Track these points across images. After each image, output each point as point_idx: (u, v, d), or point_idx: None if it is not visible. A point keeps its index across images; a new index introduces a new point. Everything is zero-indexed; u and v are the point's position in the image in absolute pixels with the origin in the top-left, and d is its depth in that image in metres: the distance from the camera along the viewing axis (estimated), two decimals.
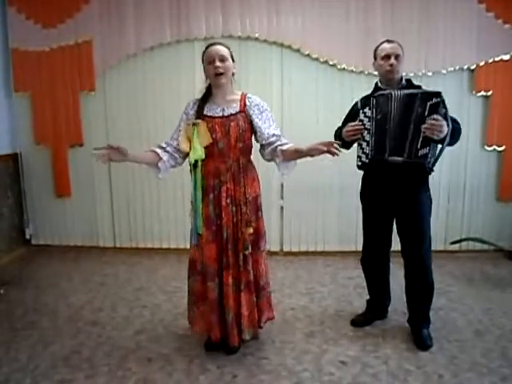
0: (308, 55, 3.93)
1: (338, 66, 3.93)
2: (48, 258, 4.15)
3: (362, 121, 2.44)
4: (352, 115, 2.58)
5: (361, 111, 2.46)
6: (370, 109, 2.42)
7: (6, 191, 4.13)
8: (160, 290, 3.40)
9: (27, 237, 4.40)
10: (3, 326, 2.81)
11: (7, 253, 4.07)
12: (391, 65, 2.44)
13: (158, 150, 2.32)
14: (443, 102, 2.25)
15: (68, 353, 2.48)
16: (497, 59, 3.83)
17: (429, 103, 2.26)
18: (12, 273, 3.78)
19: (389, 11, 3.83)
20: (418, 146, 2.30)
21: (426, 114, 2.26)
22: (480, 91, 3.91)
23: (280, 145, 2.26)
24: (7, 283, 3.47)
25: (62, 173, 4.22)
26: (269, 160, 2.39)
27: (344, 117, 2.68)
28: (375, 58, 2.56)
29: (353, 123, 2.47)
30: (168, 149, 2.34)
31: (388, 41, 2.52)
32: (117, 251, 4.32)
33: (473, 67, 3.88)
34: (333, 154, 2.07)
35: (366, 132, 2.43)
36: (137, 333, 2.72)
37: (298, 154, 2.19)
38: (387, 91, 2.41)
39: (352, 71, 3.92)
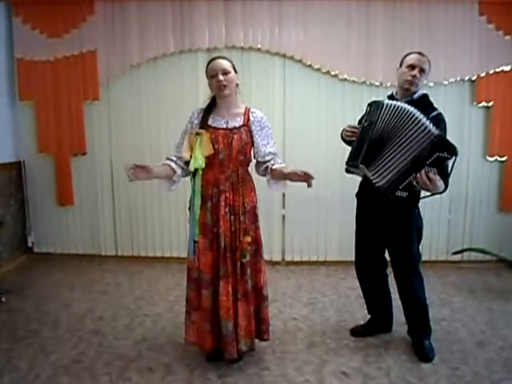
0: (310, 66, 3.97)
1: (340, 77, 3.96)
2: (49, 267, 4.15)
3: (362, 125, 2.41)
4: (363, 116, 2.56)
5: (364, 118, 2.42)
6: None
7: (9, 199, 4.15)
8: (161, 298, 3.39)
9: (29, 245, 4.40)
10: (4, 334, 2.81)
11: (9, 261, 4.08)
12: (413, 76, 2.38)
13: (172, 164, 2.36)
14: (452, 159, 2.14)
15: (69, 362, 2.48)
16: (497, 70, 3.87)
17: (438, 154, 2.10)
18: (13, 281, 3.78)
19: (390, 23, 3.86)
20: (400, 186, 2.19)
21: (428, 162, 2.12)
22: (481, 102, 3.93)
23: (272, 164, 2.35)
24: (8, 291, 3.46)
25: (64, 181, 4.24)
26: (261, 175, 2.46)
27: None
28: (401, 64, 2.49)
29: (352, 125, 2.47)
30: (179, 162, 2.37)
31: (419, 53, 2.45)
32: (118, 260, 4.32)
33: (474, 78, 3.91)
34: (308, 184, 2.16)
35: None
36: (138, 342, 2.71)
37: (281, 175, 2.29)
38: (381, 99, 2.36)
39: (353, 82, 3.95)
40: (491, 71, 3.87)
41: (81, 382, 2.29)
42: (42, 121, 4.17)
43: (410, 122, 2.19)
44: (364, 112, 2.58)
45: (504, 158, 3.98)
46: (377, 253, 2.66)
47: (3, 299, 3.32)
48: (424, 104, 2.41)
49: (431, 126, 2.15)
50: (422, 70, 2.39)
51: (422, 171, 2.13)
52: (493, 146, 3.97)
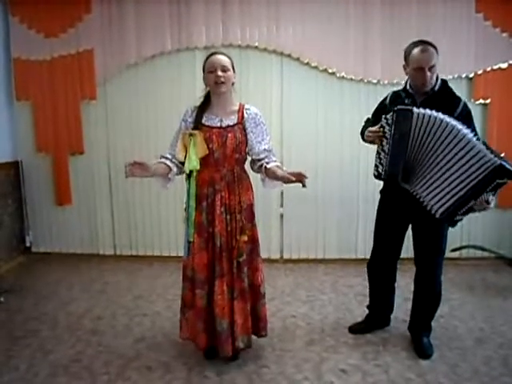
0: (307, 63, 3.96)
1: (338, 74, 3.95)
2: (48, 266, 4.15)
3: (383, 127, 2.32)
4: (379, 110, 2.51)
5: (383, 117, 2.33)
6: (391, 115, 2.28)
7: (7, 199, 4.14)
8: (160, 297, 3.39)
9: (27, 245, 4.40)
10: (3, 334, 2.81)
11: (7, 261, 4.07)
12: (426, 77, 2.28)
13: (167, 162, 2.35)
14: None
15: (68, 361, 2.48)
16: (495, 67, 3.87)
17: (498, 181, 2.10)
18: (12, 281, 3.77)
19: (387, 20, 3.86)
20: (459, 212, 2.22)
21: (489, 189, 2.13)
22: (479, 99, 3.93)
23: (267, 162, 2.31)
24: (7, 291, 3.46)
25: (62, 181, 4.23)
26: (256, 172, 2.44)
27: (374, 109, 2.62)
28: (407, 63, 2.37)
29: (374, 128, 2.38)
30: (174, 160, 2.36)
31: (422, 47, 2.30)
32: (117, 259, 4.32)
33: (471, 75, 3.91)
34: (302, 184, 2.11)
35: (385, 141, 2.31)
36: (137, 341, 2.71)
37: (275, 176, 2.25)
38: (407, 107, 2.25)
39: (351, 79, 3.95)
40: (488, 68, 3.87)
41: (80, 381, 2.29)
42: (40, 120, 4.16)
43: (463, 145, 2.15)
44: (381, 101, 2.56)
45: (502, 155, 3.98)
46: (396, 248, 2.62)
47: (2, 299, 3.32)
48: (446, 96, 2.35)
49: (489, 152, 2.12)
50: (431, 68, 2.28)
51: (482, 197, 2.15)
52: (490, 144, 3.92)
